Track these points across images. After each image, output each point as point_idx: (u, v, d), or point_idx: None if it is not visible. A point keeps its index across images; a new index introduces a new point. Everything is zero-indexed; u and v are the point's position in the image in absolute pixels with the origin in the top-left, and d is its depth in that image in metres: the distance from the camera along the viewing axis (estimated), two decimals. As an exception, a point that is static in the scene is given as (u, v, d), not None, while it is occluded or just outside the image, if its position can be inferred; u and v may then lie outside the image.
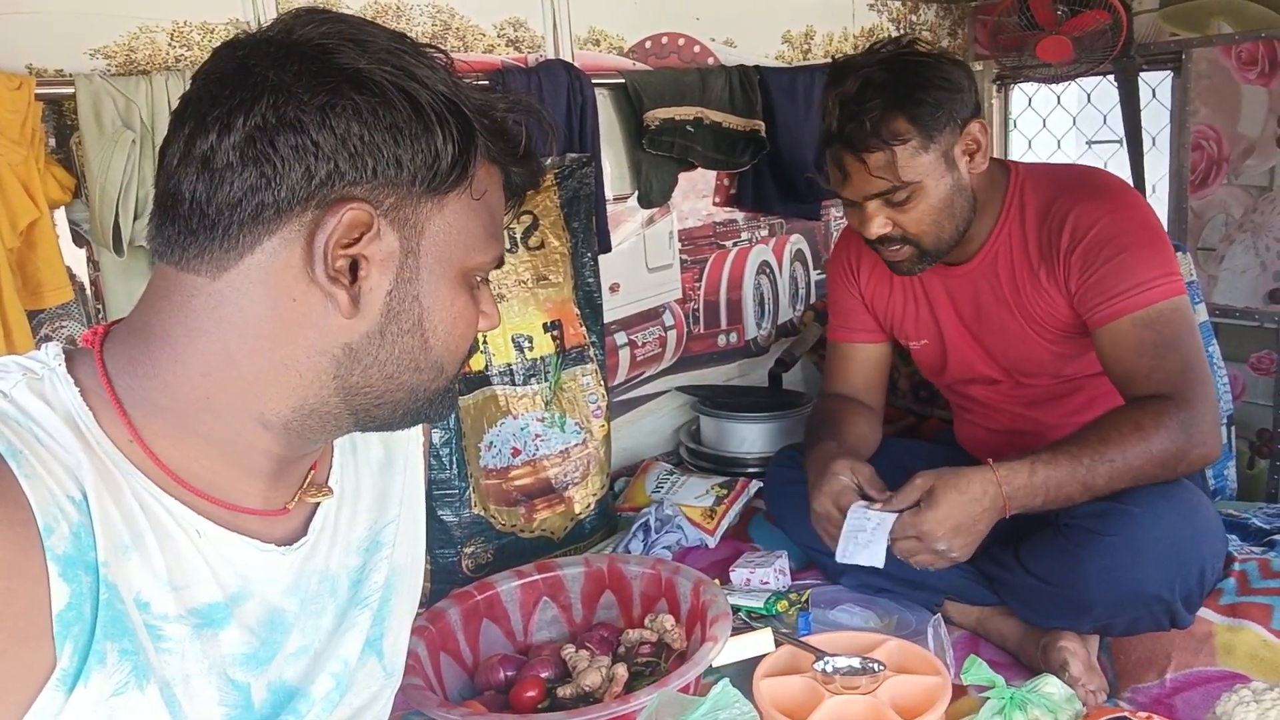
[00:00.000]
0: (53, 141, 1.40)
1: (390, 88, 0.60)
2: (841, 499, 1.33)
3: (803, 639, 1.33)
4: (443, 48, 0.65)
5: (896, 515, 1.26)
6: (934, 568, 1.28)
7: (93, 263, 1.46)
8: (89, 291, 1.48)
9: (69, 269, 1.41)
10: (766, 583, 1.57)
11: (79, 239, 1.45)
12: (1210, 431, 1.26)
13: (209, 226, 0.60)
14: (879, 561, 1.26)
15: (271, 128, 0.58)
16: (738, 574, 1.60)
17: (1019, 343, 1.48)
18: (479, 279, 0.69)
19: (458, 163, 0.63)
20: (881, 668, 1.21)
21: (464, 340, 0.68)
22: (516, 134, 0.68)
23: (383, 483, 0.82)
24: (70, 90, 1.35)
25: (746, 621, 1.46)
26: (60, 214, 1.41)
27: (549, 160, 1.76)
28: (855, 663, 1.22)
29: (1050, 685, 1.17)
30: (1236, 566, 1.44)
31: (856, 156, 1.33)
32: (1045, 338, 1.45)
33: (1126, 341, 1.32)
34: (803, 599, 1.52)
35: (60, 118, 1.41)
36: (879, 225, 1.37)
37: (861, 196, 1.36)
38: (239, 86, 0.59)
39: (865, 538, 1.28)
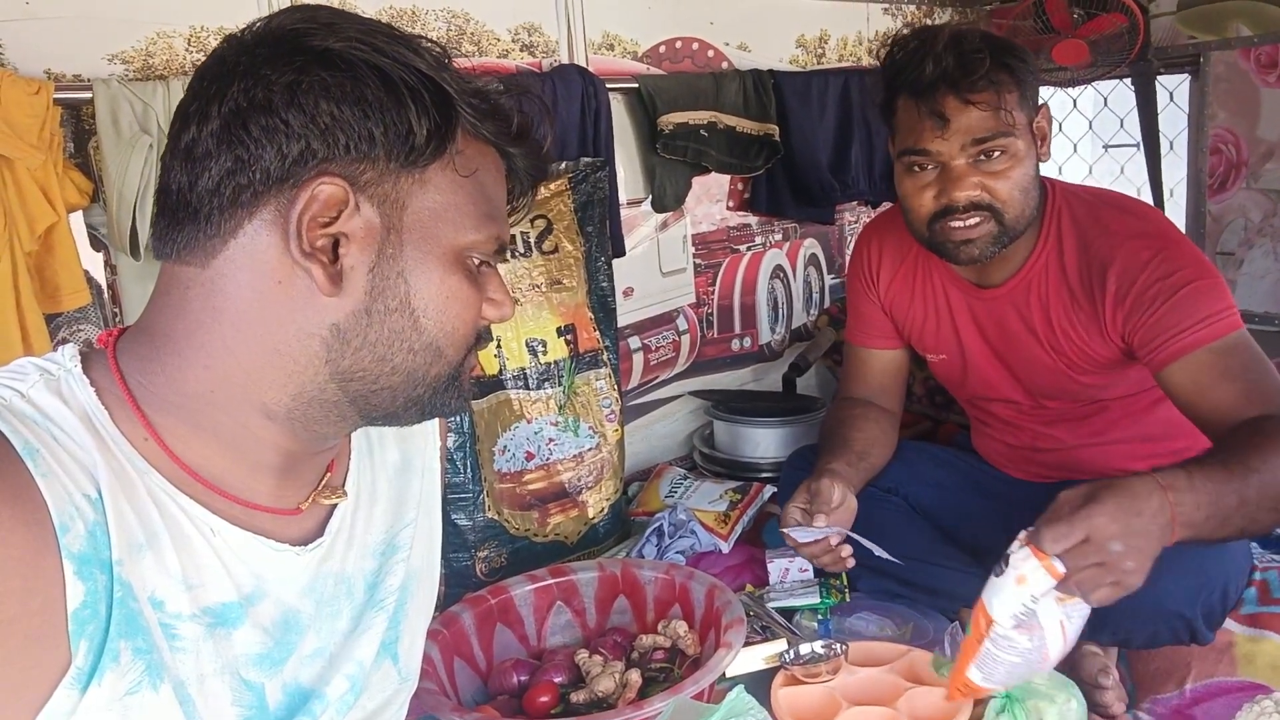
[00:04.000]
0: (71, 146, 1.41)
1: (359, 63, 0.60)
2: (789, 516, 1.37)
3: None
4: (434, 40, 0.65)
5: None
6: (1110, 599, 0.99)
7: (110, 266, 1.47)
8: (106, 295, 1.48)
9: (86, 272, 1.41)
10: (806, 570, 1.58)
11: (96, 243, 1.46)
12: None
13: (192, 214, 0.61)
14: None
15: (243, 111, 0.59)
16: (775, 565, 1.60)
17: (1047, 373, 1.43)
18: (477, 261, 0.68)
19: (434, 136, 0.62)
20: (843, 649, 1.24)
21: (460, 322, 0.67)
22: (510, 114, 0.68)
23: (399, 486, 0.82)
24: (88, 95, 1.36)
25: (791, 626, 1.46)
26: (78, 218, 1.41)
27: (563, 165, 1.76)
28: (818, 647, 1.26)
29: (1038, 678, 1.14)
30: (1257, 575, 1.42)
31: (961, 98, 1.25)
32: (1075, 370, 1.40)
33: (1209, 371, 1.22)
34: (844, 584, 1.54)
35: (78, 122, 1.42)
36: (970, 186, 1.28)
37: (959, 146, 1.27)
38: (214, 78, 0.61)
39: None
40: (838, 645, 1.26)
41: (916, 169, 1.32)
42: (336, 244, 0.62)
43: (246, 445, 0.65)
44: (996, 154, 1.28)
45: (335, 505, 0.74)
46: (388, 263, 0.63)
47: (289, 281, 0.61)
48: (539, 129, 0.71)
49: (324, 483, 0.73)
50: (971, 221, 1.30)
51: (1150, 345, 1.26)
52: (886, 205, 2.43)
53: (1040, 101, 1.36)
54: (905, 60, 1.31)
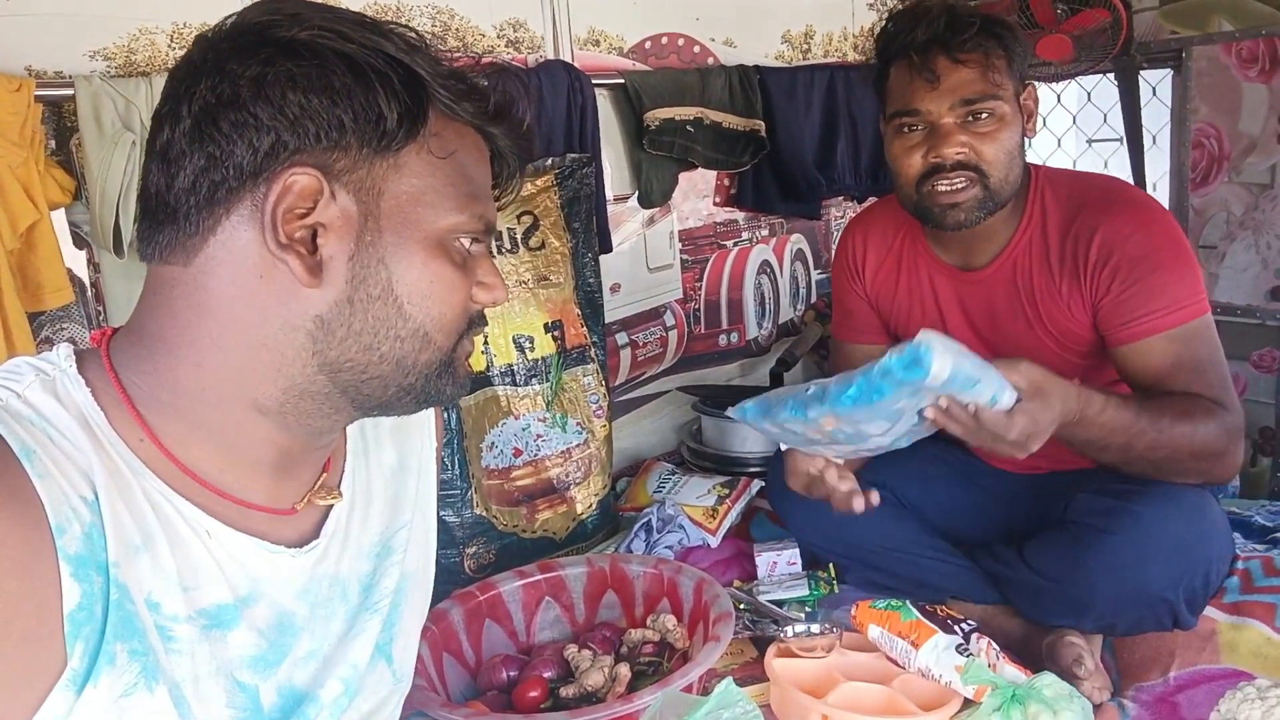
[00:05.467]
0: (53, 143, 1.40)
1: (325, 52, 0.60)
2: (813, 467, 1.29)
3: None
4: (408, 24, 0.65)
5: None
6: (981, 447, 1.16)
7: (93, 264, 1.46)
8: (90, 293, 1.47)
9: (69, 270, 1.40)
10: (794, 563, 1.60)
11: (79, 240, 1.45)
12: (1241, 446, 1.27)
13: (171, 215, 0.61)
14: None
15: (212, 108, 0.59)
16: (763, 559, 1.61)
17: (1034, 354, 1.41)
18: (462, 243, 0.67)
19: (405, 119, 0.62)
20: (833, 630, 1.29)
21: (447, 306, 0.66)
22: (487, 94, 0.67)
23: (395, 487, 0.82)
24: (70, 92, 1.35)
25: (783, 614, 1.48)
26: (60, 216, 1.40)
27: (549, 161, 1.76)
28: (814, 627, 1.30)
29: (1049, 682, 1.17)
30: (1240, 564, 1.44)
31: (952, 57, 1.29)
32: (1062, 350, 1.42)
33: (1159, 359, 1.29)
34: (832, 576, 1.56)
35: (60, 119, 1.41)
36: (957, 144, 1.30)
37: (948, 105, 1.30)
38: (183, 78, 0.61)
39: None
40: (832, 628, 1.30)
41: (906, 130, 1.35)
42: (315, 235, 0.61)
43: (241, 443, 0.65)
44: (984, 115, 1.31)
45: (331, 507, 0.74)
46: (367, 250, 0.63)
47: (270, 275, 0.61)
48: (519, 107, 0.70)
49: (319, 483, 0.73)
50: (959, 184, 1.32)
51: (1111, 322, 1.33)
52: (872, 200, 2.44)
53: (1028, 80, 1.38)
54: (898, 28, 1.35)
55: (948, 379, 0.99)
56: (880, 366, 1.00)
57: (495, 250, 1.69)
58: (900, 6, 1.40)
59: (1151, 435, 1.21)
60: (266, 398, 0.64)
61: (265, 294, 0.62)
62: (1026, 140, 1.39)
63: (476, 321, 0.70)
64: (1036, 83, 2.50)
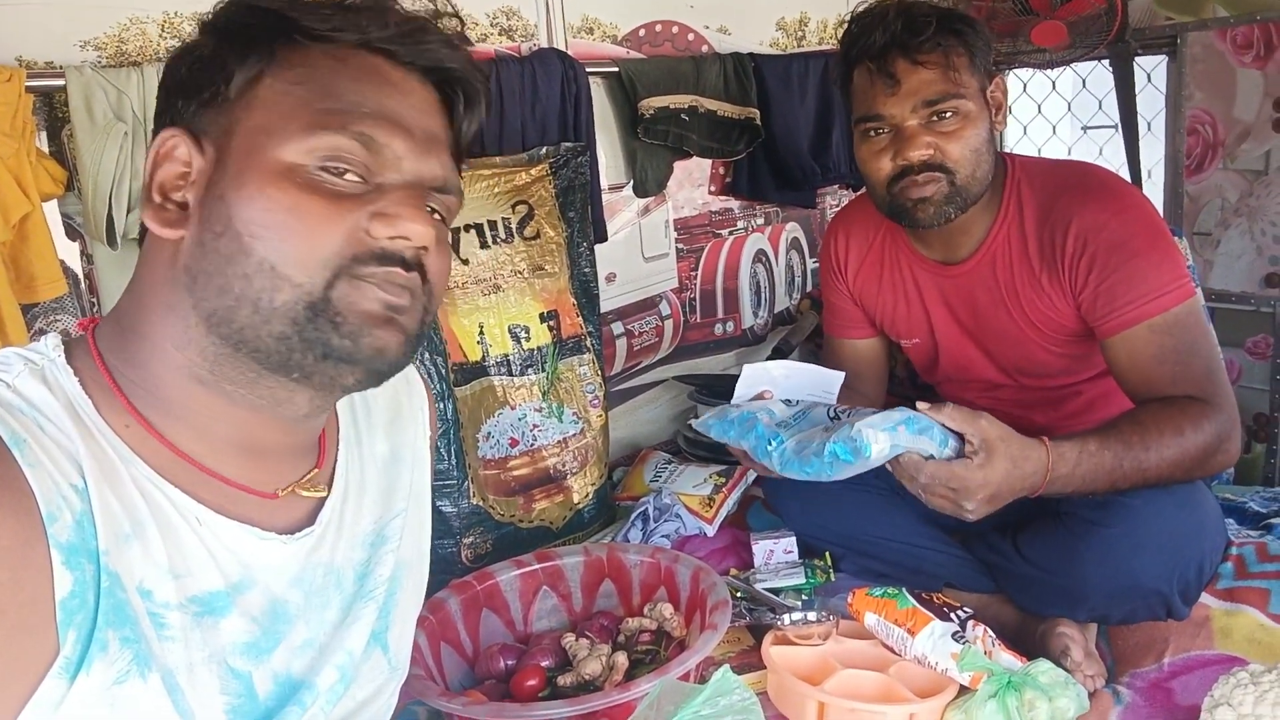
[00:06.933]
0: (44, 134, 1.39)
1: (208, 25, 0.67)
2: None
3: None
4: None
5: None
6: (940, 510, 1.19)
7: (86, 256, 1.46)
8: (83, 285, 1.47)
9: (62, 262, 1.40)
10: (790, 551, 1.60)
11: (72, 232, 1.45)
12: (1236, 439, 1.26)
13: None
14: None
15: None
16: (760, 547, 1.62)
17: (1018, 345, 1.45)
18: (333, 169, 0.63)
19: (244, 61, 0.65)
20: (830, 618, 1.30)
21: (300, 239, 0.61)
22: (382, 10, 0.67)
23: (389, 477, 0.82)
24: (61, 82, 1.34)
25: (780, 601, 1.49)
26: (53, 207, 1.40)
27: (544, 150, 1.76)
28: (811, 615, 1.32)
29: (1045, 669, 1.17)
30: (1234, 550, 1.44)
31: (910, 59, 1.29)
32: (1046, 341, 1.42)
33: (1144, 349, 1.29)
34: (828, 564, 1.56)
35: (51, 110, 1.40)
36: (922, 146, 1.30)
37: (910, 108, 1.30)
38: None
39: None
40: (829, 616, 1.31)
41: (872, 134, 1.36)
42: (180, 189, 0.65)
43: (207, 423, 0.66)
44: (948, 115, 1.31)
45: (325, 497, 0.74)
46: (211, 189, 0.64)
47: (155, 237, 0.65)
48: (436, 28, 0.69)
49: (309, 477, 0.73)
50: (924, 181, 1.33)
51: (1095, 314, 1.33)
52: (856, 193, 2.43)
53: (995, 72, 1.38)
54: (859, 31, 1.35)
55: (889, 451, 1.10)
56: (829, 451, 1.11)
57: (490, 240, 1.69)
58: (863, 3, 1.39)
59: (1138, 474, 1.20)
60: (194, 366, 0.64)
61: (158, 255, 0.65)
62: (998, 132, 1.39)
63: (377, 260, 0.63)
64: (1033, 70, 2.51)
